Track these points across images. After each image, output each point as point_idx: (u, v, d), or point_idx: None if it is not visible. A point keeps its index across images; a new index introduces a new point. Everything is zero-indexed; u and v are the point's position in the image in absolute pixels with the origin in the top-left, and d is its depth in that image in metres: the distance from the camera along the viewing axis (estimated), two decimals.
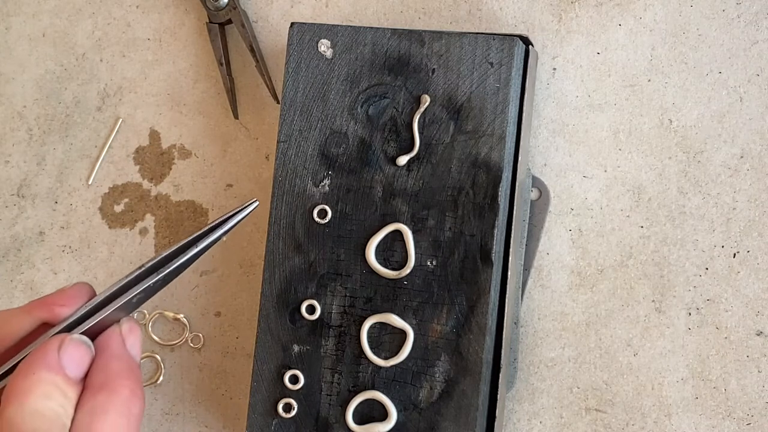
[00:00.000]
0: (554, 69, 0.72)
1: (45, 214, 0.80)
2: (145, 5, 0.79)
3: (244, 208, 0.56)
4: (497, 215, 0.64)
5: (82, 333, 0.49)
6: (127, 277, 0.51)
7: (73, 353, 0.47)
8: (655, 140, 0.70)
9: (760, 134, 0.68)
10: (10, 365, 0.48)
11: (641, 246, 0.70)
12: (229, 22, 0.76)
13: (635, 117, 0.70)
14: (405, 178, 0.66)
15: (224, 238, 0.56)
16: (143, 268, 0.51)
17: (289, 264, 0.67)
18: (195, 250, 0.52)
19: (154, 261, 0.52)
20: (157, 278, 0.51)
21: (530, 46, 0.67)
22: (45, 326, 0.50)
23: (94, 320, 0.49)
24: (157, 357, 0.77)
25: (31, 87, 0.81)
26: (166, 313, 0.77)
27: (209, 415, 0.76)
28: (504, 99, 0.65)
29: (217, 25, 0.76)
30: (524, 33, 0.72)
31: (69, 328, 0.49)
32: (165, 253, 0.52)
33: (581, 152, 0.71)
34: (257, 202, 0.57)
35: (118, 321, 0.51)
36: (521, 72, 0.66)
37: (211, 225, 0.54)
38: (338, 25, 0.68)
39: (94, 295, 0.51)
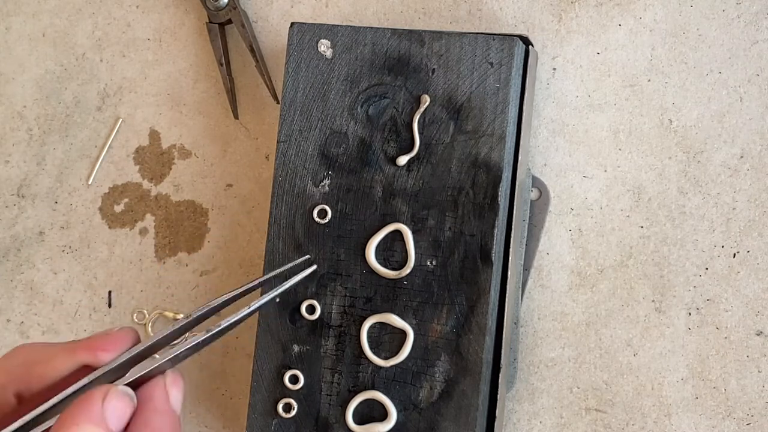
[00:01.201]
0: (554, 69, 0.72)
1: (45, 214, 0.80)
2: (145, 5, 0.79)
3: (302, 270, 0.58)
4: (497, 215, 0.64)
5: (126, 384, 0.49)
6: (173, 326, 0.52)
7: (117, 406, 0.47)
8: (655, 140, 0.70)
9: (760, 134, 0.68)
10: (49, 405, 0.48)
11: (641, 246, 0.70)
12: (229, 22, 0.76)
13: (635, 117, 0.70)
14: (405, 178, 0.66)
15: (277, 299, 0.57)
16: (190, 318, 0.52)
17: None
18: (246, 311, 0.53)
19: (201, 311, 0.52)
20: (206, 336, 0.51)
21: (530, 46, 0.67)
22: (86, 369, 0.50)
23: (140, 371, 0.49)
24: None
25: (31, 87, 0.81)
26: (166, 313, 0.77)
27: (209, 415, 0.76)
28: (504, 99, 0.65)
29: (217, 25, 0.76)
30: (524, 33, 0.72)
31: (111, 375, 0.49)
32: (213, 305, 0.53)
33: (581, 152, 0.71)
34: (315, 266, 0.60)
35: (162, 372, 0.50)
36: (521, 72, 0.66)
37: (263, 279, 0.55)
38: (338, 25, 0.68)
39: (138, 341, 0.51)
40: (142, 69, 0.79)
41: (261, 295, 0.57)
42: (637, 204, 0.70)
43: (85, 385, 0.48)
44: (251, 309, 0.53)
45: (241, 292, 0.54)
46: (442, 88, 0.66)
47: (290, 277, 0.58)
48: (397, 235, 0.66)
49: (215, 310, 0.53)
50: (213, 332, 0.51)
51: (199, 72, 0.78)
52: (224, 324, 0.52)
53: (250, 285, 0.55)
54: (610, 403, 0.69)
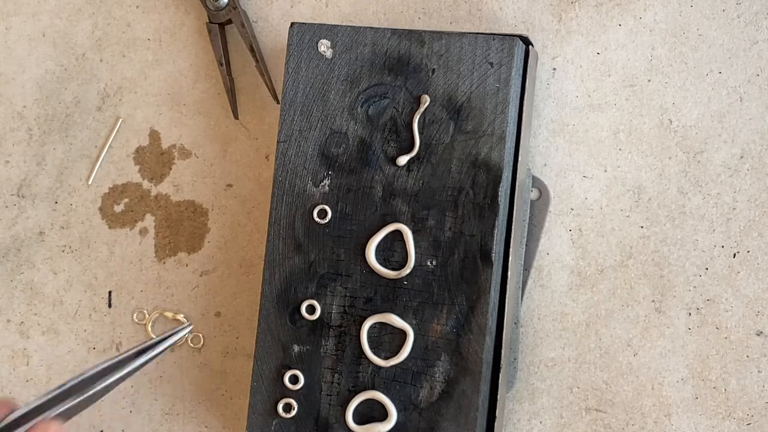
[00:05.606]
0: (554, 69, 0.72)
1: (45, 214, 0.80)
2: (145, 5, 0.79)
3: (178, 331, 0.58)
4: (497, 215, 0.64)
5: None
6: (54, 390, 0.53)
7: None
8: (655, 140, 0.70)
9: (760, 134, 0.68)
10: None
11: (641, 246, 0.70)
12: (229, 22, 0.76)
13: (635, 117, 0.70)
14: (405, 178, 0.66)
15: (156, 360, 0.59)
16: (69, 384, 0.54)
17: (289, 264, 0.67)
18: (123, 372, 0.55)
19: (83, 376, 0.54)
20: (82, 397, 0.53)
21: (530, 46, 0.67)
22: None
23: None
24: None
25: (31, 87, 0.81)
26: (166, 313, 0.77)
27: (209, 415, 0.76)
28: (504, 99, 0.65)
29: (217, 25, 0.76)
30: (524, 33, 0.72)
31: None
32: (96, 370, 0.55)
33: (581, 152, 0.71)
34: (191, 326, 0.59)
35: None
36: (521, 72, 0.66)
37: (143, 346, 0.56)
38: (338, 25, 0.68)
39: (15, 409, 0.53)
40: (142, 69, 0.79)
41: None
42: (637, 204, 0.70)
43: None
44: (126, 371, 0.55)
45: (116, 362, 0.56)
46: (442, 88, 0.66)
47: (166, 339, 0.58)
48: (397, 235, 0.66)
49: (99, 375, 0.55)
50: (91, 393, 0.54)
51: (199, 72, 0.78)
52: (103, 384, 0.54)
53: (131, 353, 0.56)
54: (610, 403, 0.69)
